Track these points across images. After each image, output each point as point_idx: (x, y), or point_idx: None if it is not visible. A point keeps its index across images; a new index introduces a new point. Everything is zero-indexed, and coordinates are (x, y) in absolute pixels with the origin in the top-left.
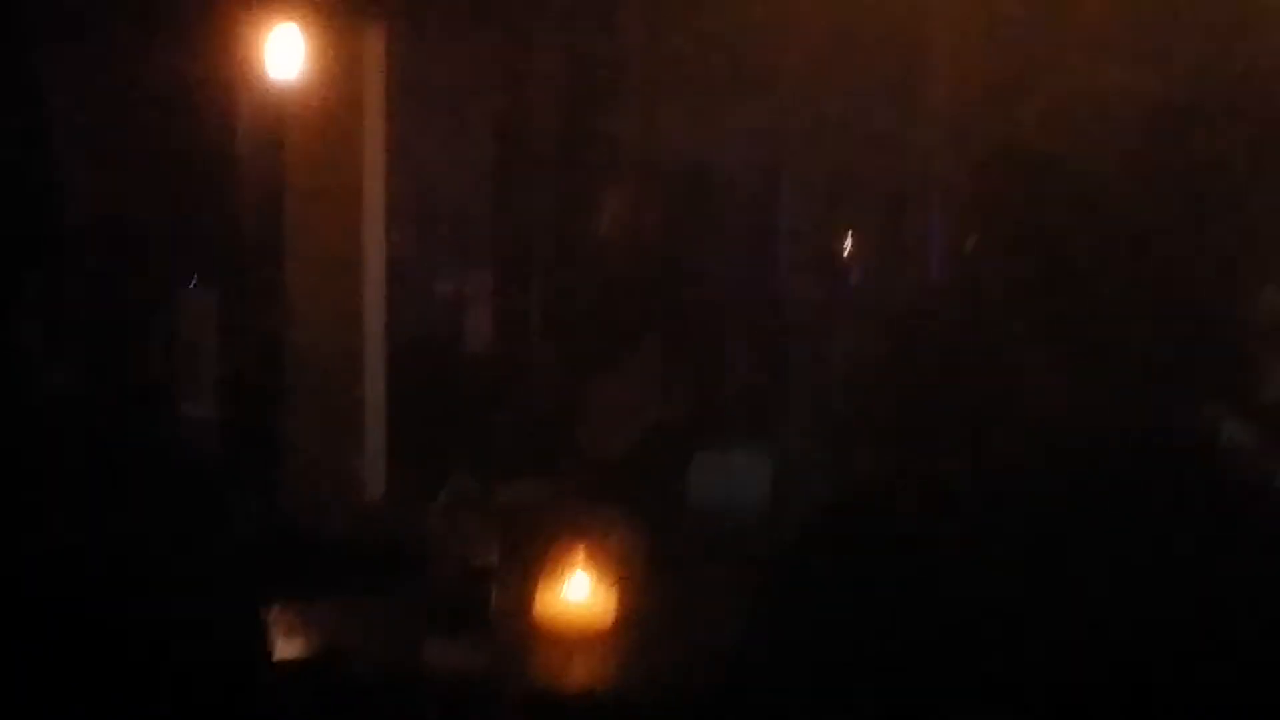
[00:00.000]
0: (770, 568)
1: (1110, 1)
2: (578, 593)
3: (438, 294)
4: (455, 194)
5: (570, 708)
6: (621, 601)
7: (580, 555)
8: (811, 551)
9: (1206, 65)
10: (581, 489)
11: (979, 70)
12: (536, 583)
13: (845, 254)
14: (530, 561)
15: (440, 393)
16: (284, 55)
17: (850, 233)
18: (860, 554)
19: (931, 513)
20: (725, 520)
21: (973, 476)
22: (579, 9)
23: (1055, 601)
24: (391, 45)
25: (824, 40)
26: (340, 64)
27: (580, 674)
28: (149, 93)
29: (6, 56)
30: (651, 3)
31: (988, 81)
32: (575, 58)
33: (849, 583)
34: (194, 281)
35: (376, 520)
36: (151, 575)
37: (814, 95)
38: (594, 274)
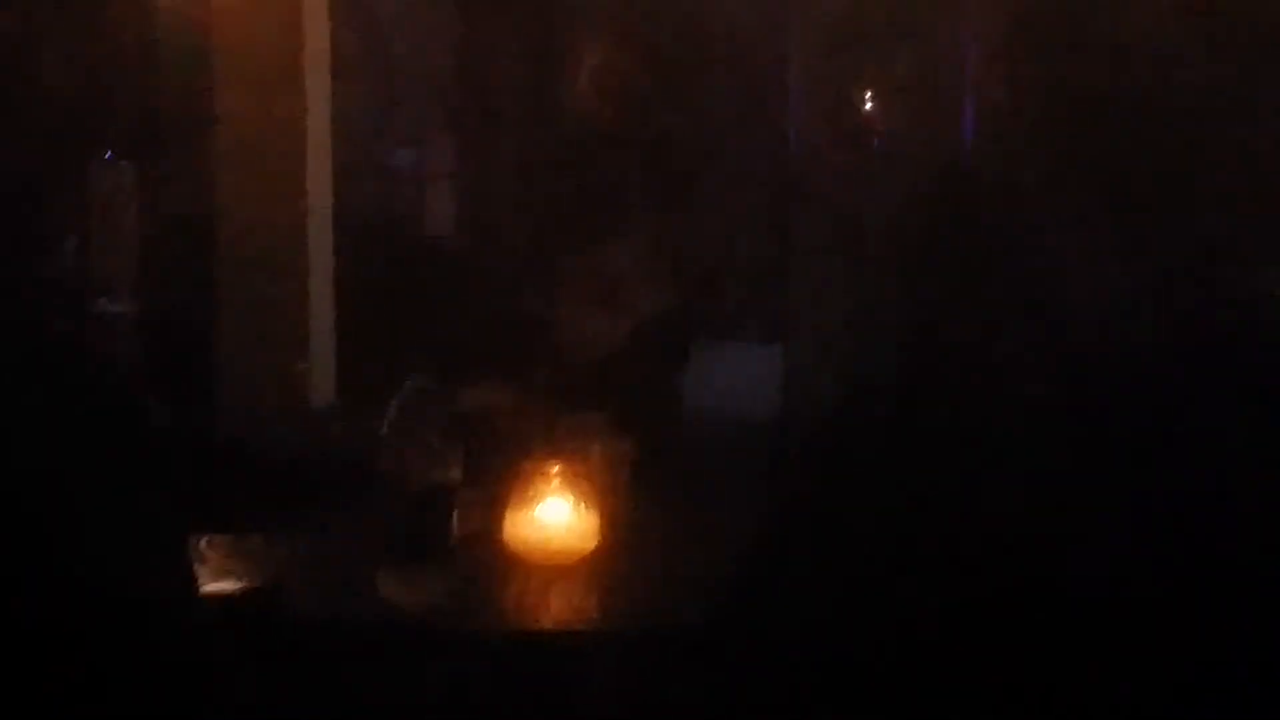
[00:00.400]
0: (781, 482)
1: None
2: (555, 515)
3: (393, 167)
4: (412, 49)
5: (547, 649)
6: (606, 524)
7: (558, 470)
8: (829, 463)
9: None
10: (560, 392)
11: None
12: (507, 503)
13: (865, 111)
14: (500, 478)
15: (396, 282)
16: None
17: (871, 86)
18: (883, 466)
19: (965, 415)
20: (728, 427)
21: (1012, 367)
22: None
23: (1099, 503)
24: None
25: None
26: None
27: (558, 610)
28: None
29: None
30: None
31: None
32: None
33: (870, 500)
34: (110, 153)
35: (323, 433)
36: (61, 498)
37: None
38: (573, 140)
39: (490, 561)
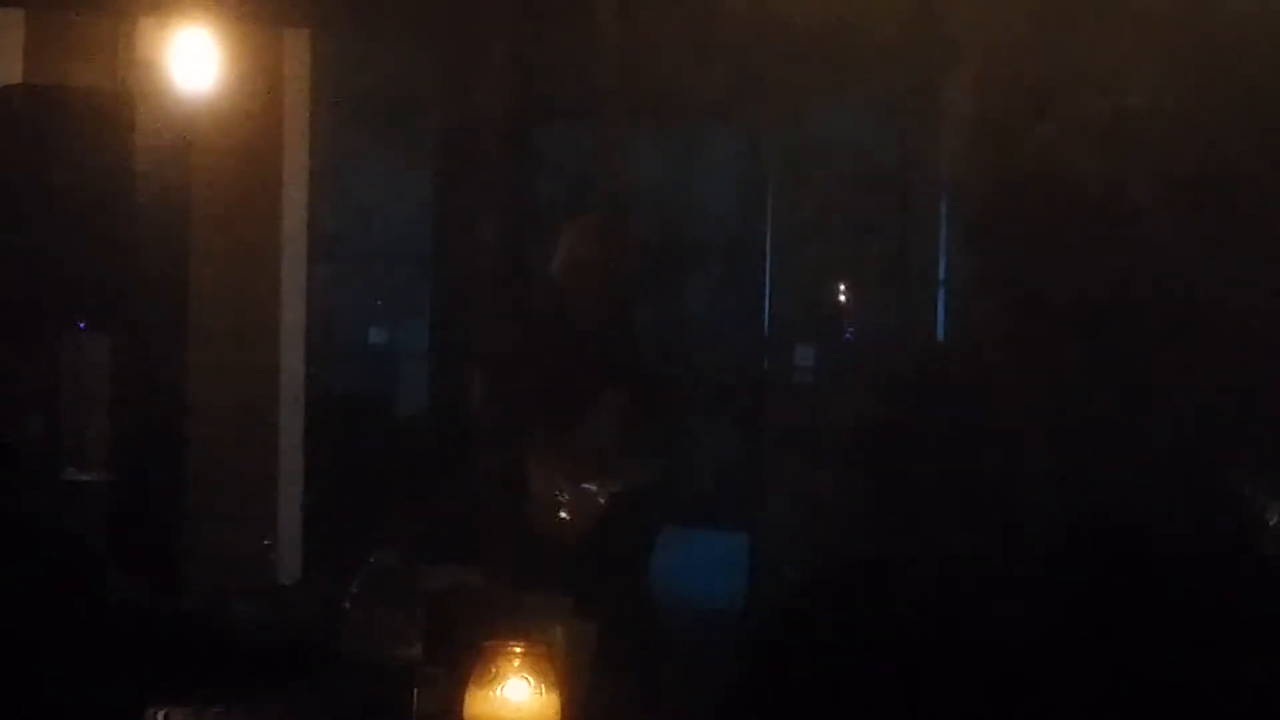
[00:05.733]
0: (744, 668)
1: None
2: (516, 695)
3: (366, 345)
4: (388, 229)
5: None
6: (567, 706)
7: (520, 651)
8: (795, 649)
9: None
10: (524, 573)
11: (990, 103)
12: (468, 682)
13: (838, 305)
14: (461, 657)
15: (365, 460)
16: (192, 65)
17: (844, 282)
18: (847, 653)
19: (928, 604)
20: (693, 612)
21: (980, 561)
22: (537, 13)
23: (1068, 696)
24: (317, 54)
25: (815, 63)
26: (257, 75)
27: None
28: (36, 105)
29: None
30: (621, 5)
31: (1000, 116)
32: (529, 70)
33: (833, 687)
34: (82, 322)
35: (289, 609)
36: (22, 665)
37: (805, 122)
38: (546, 322)
39: None
